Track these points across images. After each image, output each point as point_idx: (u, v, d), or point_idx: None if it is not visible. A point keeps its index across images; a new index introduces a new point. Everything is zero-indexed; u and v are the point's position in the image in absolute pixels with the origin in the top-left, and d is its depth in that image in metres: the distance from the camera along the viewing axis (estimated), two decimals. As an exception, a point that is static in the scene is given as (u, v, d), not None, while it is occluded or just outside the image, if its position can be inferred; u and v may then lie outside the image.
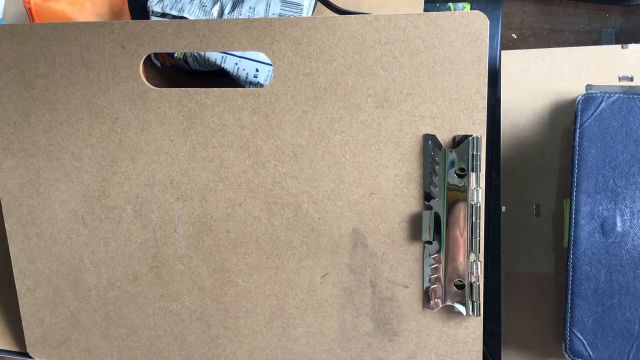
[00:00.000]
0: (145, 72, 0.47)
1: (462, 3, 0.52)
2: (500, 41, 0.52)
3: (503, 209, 0.48)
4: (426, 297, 0.44)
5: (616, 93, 0.41)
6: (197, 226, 0.47)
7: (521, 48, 0.51)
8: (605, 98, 0.41)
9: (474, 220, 0.41)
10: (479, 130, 0.41)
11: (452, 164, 0.41)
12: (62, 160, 0.47)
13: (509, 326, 0.48)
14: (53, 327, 0.51)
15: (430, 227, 0.42)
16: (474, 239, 0.42)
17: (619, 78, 0.45)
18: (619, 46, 0.46)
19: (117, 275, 0.49)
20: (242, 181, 0.45)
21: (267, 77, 0.50)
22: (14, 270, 0.50)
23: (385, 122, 0.42)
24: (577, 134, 0.41)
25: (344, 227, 0.44)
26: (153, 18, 0.50)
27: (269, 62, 0.50)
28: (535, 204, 0.47)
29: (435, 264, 0.43)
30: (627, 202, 0.40)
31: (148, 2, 0.50)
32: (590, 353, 0.41)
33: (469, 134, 0.41)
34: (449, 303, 0.43)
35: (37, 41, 0.45)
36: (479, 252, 0.42)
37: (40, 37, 0.45)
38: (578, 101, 0.41)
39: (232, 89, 0.44)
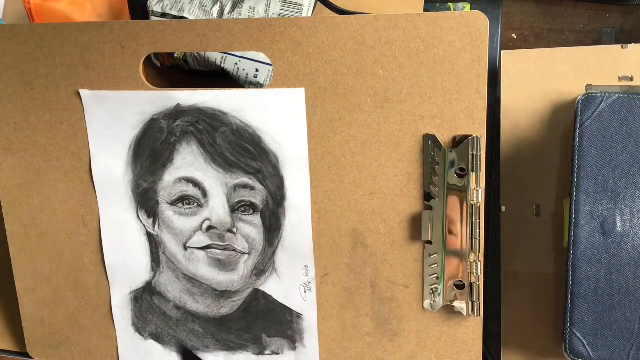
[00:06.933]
0: (145, 72, 0.47)
1: (462, 3, 0.52)
2: (500, 41, 0.52)
3: (503, 209, 0.48)
4: (426, 297, 0.44)
5: (616, 93, 0.41)
6: (197, 226, 0.47)
7: (521, 48, 0.51)
8: (605, 98, 0.41)
9: (474, 220, 0.41)
10: (479, 130, 0.41)
11: (452, 164, 0.41)
12: (62, 160, 0.47)
13: (509, 326, 0.48)
14: (53, 327, 0.51)
15: (430, 227, 0.42)
16: (474, 239, 0.42)
17: (619, 78, 0.45)
18: (619, 46, 0.46)
19: (117, 275, 0.49)
20: (242, 181, 0.45)
21: (267, 77, 0.50)
22: (14, 270, 0.50)
23: (385, 122, 0.42)
24: (577, 134, 0.41)
25: (344, 227, 0.44)
26: (153, 18, 0.50)
27: (269, 62, 0.50)
28: (535, 204, 0.47)
29: (435, 264, 0.43)
30: (627, 202, 0.40)
31: (148, 2, 0.50)
32: (590, 353, 0.41)
33: (469, 134, 0.41)
34: (449, 303, 0.43)
35: (37, 41, 0.45)
36: (479, 252, 0.42)
37: (40, 37, 0.45)
38: (578, 101, 0.41)
39: (232, 89, 0.44)
